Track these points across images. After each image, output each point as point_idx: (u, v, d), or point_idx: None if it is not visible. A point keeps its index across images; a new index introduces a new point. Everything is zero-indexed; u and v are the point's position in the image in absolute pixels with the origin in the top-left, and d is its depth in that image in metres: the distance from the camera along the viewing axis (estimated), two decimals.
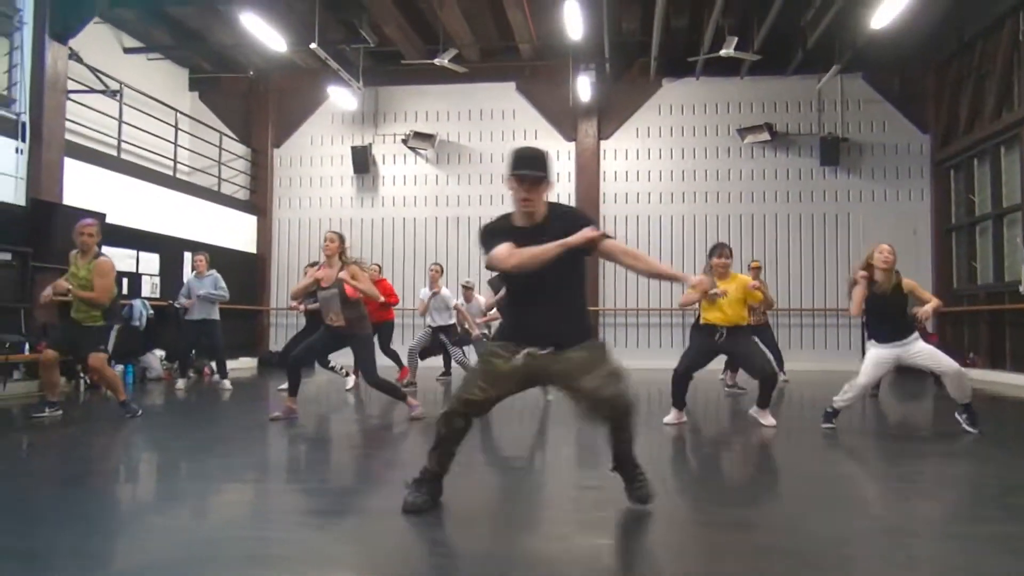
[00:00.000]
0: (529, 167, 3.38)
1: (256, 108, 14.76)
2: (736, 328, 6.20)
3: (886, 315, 5.86)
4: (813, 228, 13.61)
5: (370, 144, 14.43)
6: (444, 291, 9.71)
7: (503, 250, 3.33)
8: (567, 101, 13.76)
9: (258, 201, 14.67)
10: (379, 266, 11.05)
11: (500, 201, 14.21)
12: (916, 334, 5.88)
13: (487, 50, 13.90)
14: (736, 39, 11.51)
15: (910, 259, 12.94)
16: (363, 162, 14.27)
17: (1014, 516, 3.59)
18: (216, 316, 9.54)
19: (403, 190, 14.54)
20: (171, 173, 12.35)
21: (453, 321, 9.60)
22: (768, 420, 6.24)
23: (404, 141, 14.25)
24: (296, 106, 14.75)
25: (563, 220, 3.41)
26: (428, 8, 12.10)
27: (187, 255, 12.01)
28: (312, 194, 14.78)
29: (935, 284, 13.04)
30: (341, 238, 6.53)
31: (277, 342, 14.51)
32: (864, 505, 3.95)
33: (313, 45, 11.07)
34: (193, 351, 10.13)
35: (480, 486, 4.30)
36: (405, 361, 9.80)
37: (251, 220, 14.52)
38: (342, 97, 13.66)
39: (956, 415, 5.95)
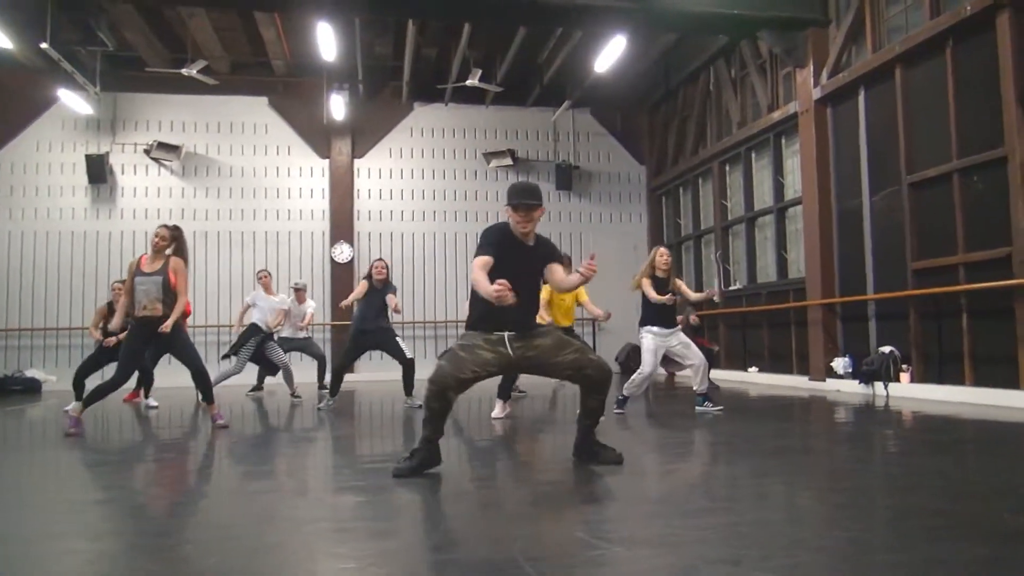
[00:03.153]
0: (529, 197, 4.17)
1: None
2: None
3: (663, 305, 6.90)
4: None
5: (107, 153, 13.57)
6: (277, 297, 10.07)
7: (479, 263, 4.08)
8: (321, 119, 13.99)
9: None
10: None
11: (252, 215, 14.12)
12: (679, 327, 7.15)
13: (239, 63, 13.76)
14: (480, 71, 12.50)
15: (631, 273, 14.69)
16: (99, 172, 13.39)
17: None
18: None
19: (145, 202, 13.85)
20: None
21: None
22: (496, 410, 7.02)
23: (147, 151, 13.61)
24: (21, 108, 13.48)
25: (545, 246, 4.40)
26: (176, 17, 11.78)
27: None
28: (39, 204, 13.56)
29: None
30: (175, 234, 6.45)
31: None
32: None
33: (44, 45, 10.34)
34: None
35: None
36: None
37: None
38: (75, 101, 12.77)
39: (697, 405, 7.15)
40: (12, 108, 13.46)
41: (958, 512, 3.14)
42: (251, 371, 10.41)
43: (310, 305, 10.56)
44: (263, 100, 14.27)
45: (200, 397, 6.76)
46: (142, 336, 6.37)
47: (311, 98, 14.00)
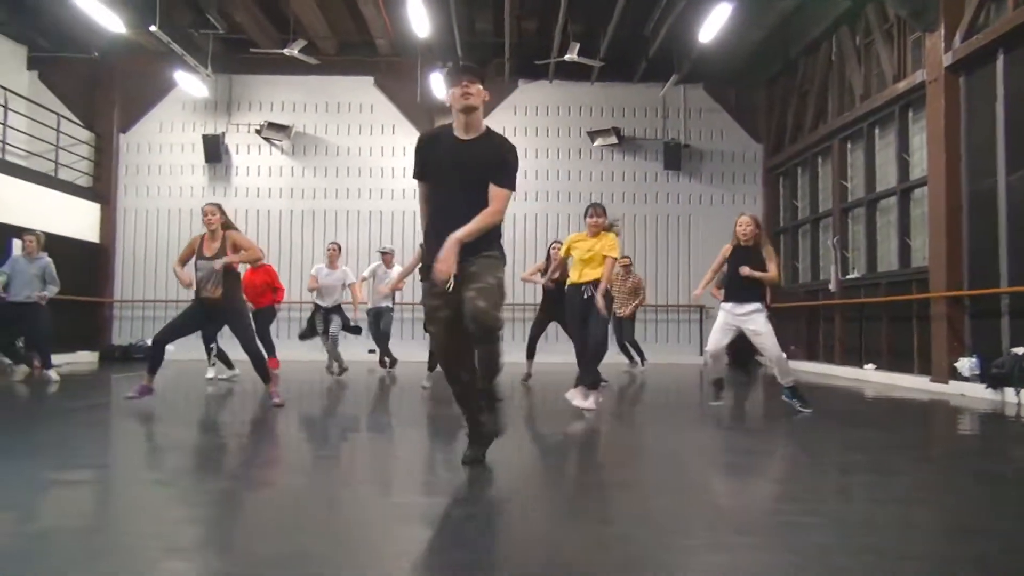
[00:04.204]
0: (468, 67, 3.81)
1: (101, 91, 14.15)
2: (593, 284, 6.39)
3: (736, 277, 6.31)
4: (657, 229, 14.34)
5: (223, 133, 14.12)
6: (343, 268, 9.84)
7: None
8: (424, 98, 13.92)
9: (101, 188, 14.07)
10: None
11: (357, 195, 14.31)
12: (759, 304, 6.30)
13: (345, 43, 13.89)
14: (579, 45, 12.01)
15: None
16: (215, 151, 13.96)
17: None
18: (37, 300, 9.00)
19: (257, 181, 14.31)
20: (0, 155, 11.70)
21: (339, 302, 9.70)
22: (583, 402, 6.32)
23: (258, 131, 14.02)
24: (144, 91, 14.23)
25: (489, 146, 3.79)
26: None
27: (15, 242, 11.41)
28: (161, 182, 14.31)
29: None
30: (221, 209, 6.60)
31: (120, 335, 14.01)
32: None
33: (153, 28, 10.75)
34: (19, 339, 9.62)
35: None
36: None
37: (93, 208, 13.91)
38: (191, 83, 13.31)
39: (785, 398, 6.45)
40: (136, 92, 14.21)
41: None
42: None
43: (395, 269, 10.26)
44: (368, 80, 14.37)
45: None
46: (201, 314, 6.48)
47: (415, 77, 13.96)
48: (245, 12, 12.07)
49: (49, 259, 9.09)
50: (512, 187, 3.79)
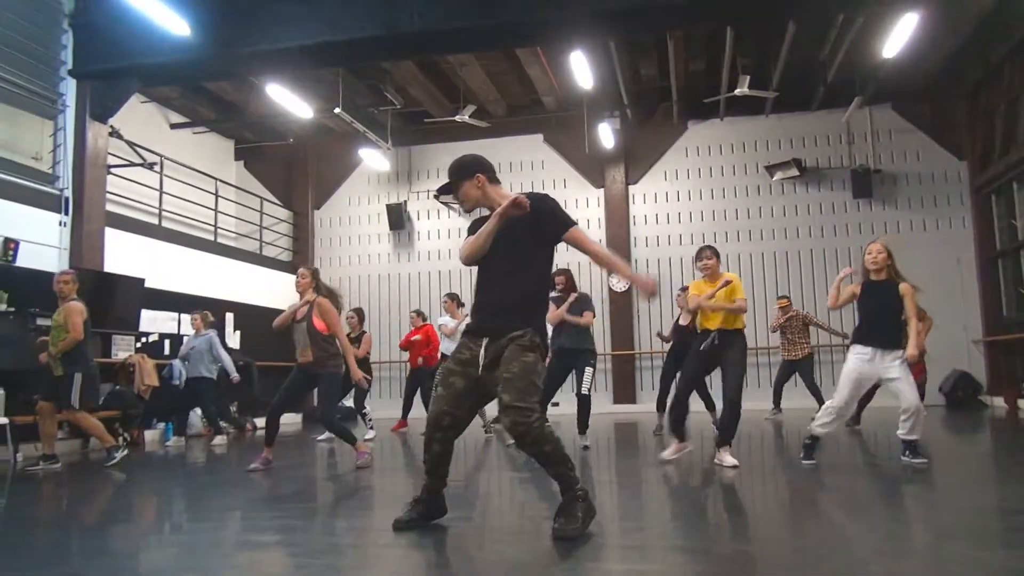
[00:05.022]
0: (447, 182, 3.86)
1: (296, 173, 15.44)
2: (726, 332, 5.86)
3: (874, 316, 5.62)
4: (850, 262, 13.28)
5: (404, 201, 14.89)
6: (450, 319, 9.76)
7: (463, 246, 3.72)
8: (593, 149, 13.95)
9: (300, 262, 15.20)
10: (420, 312, 11.10)
11: None
12: (901, 352, 5.52)
13: (513, 105, 14.28)
14: (748, 78, 11.55)
15: (955, 289, 12.59)
16: (398, 219, 14.72)
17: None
18: (208, 374, 9.81)
19: (437, 244, 14.89)
20: (212, 238, 12.97)
21: None
22: (728, 460, 5.75)
23: (436, 196, 14.59)
24: (334, 169, 15.37)
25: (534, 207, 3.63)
26: (450, 69, 12.55)
27: (229, 316, 12.54)
28: (352, 252, 15.26)
29: (985, 313, 12.60)
30: (314, 273, 6.65)
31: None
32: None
33: (337, 110, 11.59)
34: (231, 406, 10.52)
35: None
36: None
37: (293, 280, 15.02)
38: (374, 158, 14.20)
39: (901, 454, 5.61)
40: (327, 171, 15.39)
41: None
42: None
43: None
44: (538, 137, 14.65)
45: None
46: (300, 379, 6.52)
47: (583, 129, 14.04)
48: (419, 87, 12.73)
49: (214, 335, 9.93)
50: (572, 222, 3.75)
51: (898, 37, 9.58)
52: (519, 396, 3.38)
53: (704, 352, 5.91)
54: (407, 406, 10.51)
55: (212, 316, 10.29)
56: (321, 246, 15.39)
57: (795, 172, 13.31)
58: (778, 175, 13.48)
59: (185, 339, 10.46)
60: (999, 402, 11.96)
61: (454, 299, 9.92)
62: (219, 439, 9.75)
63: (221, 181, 13.81)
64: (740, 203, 13.83)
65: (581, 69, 10.53)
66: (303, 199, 15.42)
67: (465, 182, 3.77)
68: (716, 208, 13.85)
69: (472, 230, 3.80)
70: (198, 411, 11.20)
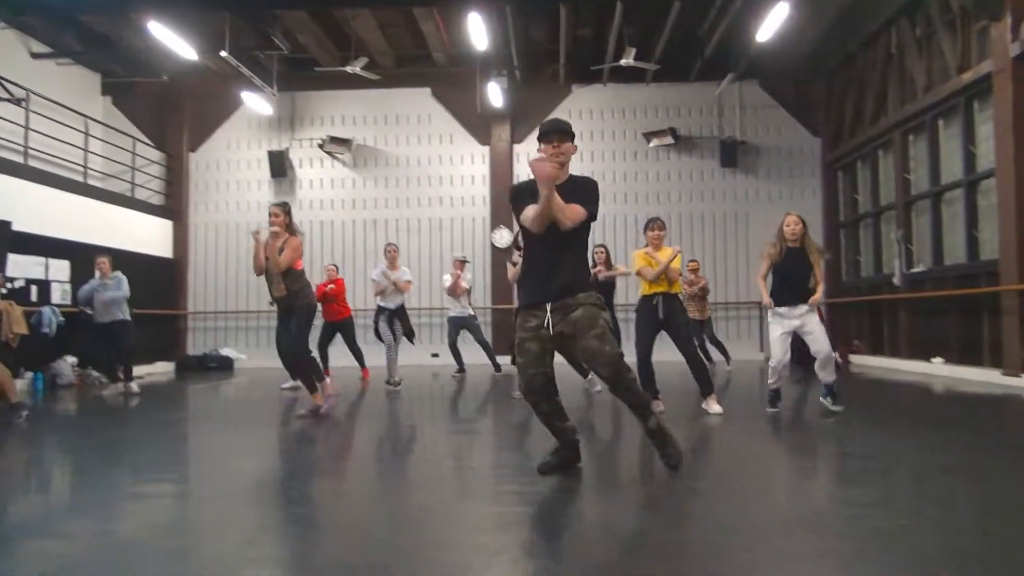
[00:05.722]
0: (558, 126, 4.09)
1: (171, 113, 14.75)
2: (669, 296, 6.60)
3: (787, 279, 6.36)
4: (715, 226, 14.38)
5: (287, 148, 14.60)
6: (403, 268, 9.72)
7: (529, 211, 3.94)
8: (481, 106, 14.18)
9: (174, 206, 14.67)
10: (335, 266, 11.10)
11: (417, 203, 14.64)
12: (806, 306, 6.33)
13: (403, 57, 14.23)
14: (635, 50, 12.10)
15: None
16: (280, 166, 14.43)
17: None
18: (125, 316, 9.41)
19: (320, 193, 14.75)
20: (82, 179, 12.30)
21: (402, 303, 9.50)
22: (714, 407, 6.52)
23: (321, 145, 14.45)
24: (211, 111, 14.79)
25: (575, 182, 4.09)
26: (342, 17, 12.35)
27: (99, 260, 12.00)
28: (230, 198, 14.85)
29: (827, 278, 13.95)
30: (285, 210, 6.78)
31: (195, 346, 14.57)
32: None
33: (224, 53, 11.21)
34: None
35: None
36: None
37: (167, 225, 14.51)
38: (257, 102, 13.80)
39: (821, 396, 6.56)
40: (204, 112, 14.77)
41: None
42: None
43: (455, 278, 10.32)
44: (426, 91, 14.70)
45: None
46: (279, 316, 6.89)
47: (471, 87, 14.21)
48: (308, 33, 12.47)
49: (122, 275, 9.53)
50: (590, 211, 4.00)
51: (771, 23, 10.36)
52: (614, 347, 3.91)
53: (654, 316, 6.57)
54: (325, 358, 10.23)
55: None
56: (197, 190, 14.86)
57: (670, 140, 14.12)
58: (654, 142, 14.24)
59: (87, 283, 9.74)
60: (835, 356, 13.43)
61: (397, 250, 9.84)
62: (134, 386, 9.46)
63: (90, 118, 13.02)
64: (619, 167, 14.54)
65: (477, 30, 10.70)
66: (177, 141, 14.78)
67: (569, 142, 4.09)
68: (596, 170, 14.43)
69: (516, 195, 4.10)
70: (68, 359, 10.81)
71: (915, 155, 11.40)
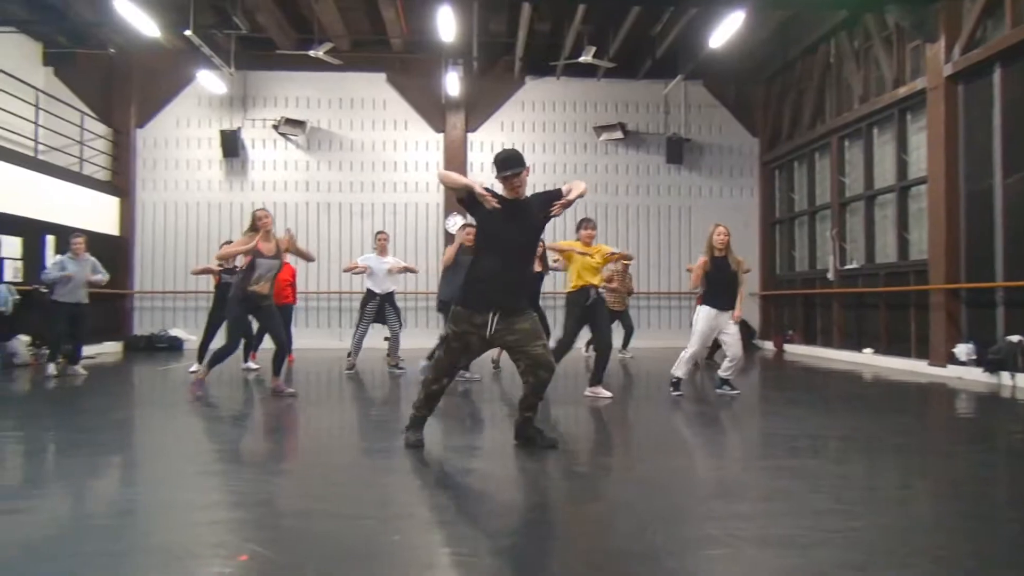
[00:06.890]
0: (515, 165, 4.55)
1: (117, 87, 14.37)
2: (599, 288, 7.20)
3: (723, 286, 7.05)
4: (659, 219, 15.02)
5: (239, 128, 14.46)
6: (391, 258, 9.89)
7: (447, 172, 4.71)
8: (436, 94, 14.39)
9: (120, 182, 14.36)
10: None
11: (371, 188, 14.76)
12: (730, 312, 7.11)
13: (359, 41, 14.28)
14: (595, 48, 12.55)
15: (742, 249, 14.48)
16: (232, 146, 14.30)
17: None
18: (88, 300, 9.47)
19: (273, 175, 14.69)
20: (31, 153, 11.96)
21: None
22: (603, 393, 7.10)
23: (275, 127, 14.38)
24: (160, 87, 14.48)
25: (538, 197, 4.72)
26: (303, 0, 12.35)
27: (48, 238, 11.73)
28: (179, 177, 14.62)
29: (761, 271, 14.82)
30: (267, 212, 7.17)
31: (142, 326, 14.35)
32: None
33: (188, 32, 11.10)
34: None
35: None
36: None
37: (113, 202, 14.20)
38: (210, 80, 13.62)
39: (719, 390, 7.29)
40: (154, 87, 14.47)
41: None
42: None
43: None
44: (382, 76, 14.78)
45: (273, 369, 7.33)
46: (247, 307, 7.11)
47: (427, 74, 14.39)
48: (267, 14, 12.41)
49: (94, 258, 9.53)
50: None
51: (724, 30, 10.93)
52: (551, 355, 4.70)
53: (590, 305, 7.05)
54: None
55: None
56: (144, 167, 14.57)
57: (620, 135, 14.66)
58: (604, 136, 14.75)
59: (57, 260, 9.56)
60: (769, 346, 14.33)
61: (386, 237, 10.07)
62: (79, 368, 9.42)
63: (35, 88, 12.62)
64: (569, 159, 14.99)
65: (446, 22, 10.92)
66: (124, 115, 14.43)
67: (524, 171, 4.59)
68: (547, 161, 14.88)
69: (472, 202, 4.55)
70: (22, 338, 10.60)
71: (850, 159, 12.24)
